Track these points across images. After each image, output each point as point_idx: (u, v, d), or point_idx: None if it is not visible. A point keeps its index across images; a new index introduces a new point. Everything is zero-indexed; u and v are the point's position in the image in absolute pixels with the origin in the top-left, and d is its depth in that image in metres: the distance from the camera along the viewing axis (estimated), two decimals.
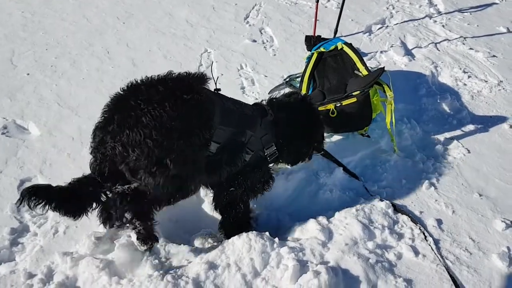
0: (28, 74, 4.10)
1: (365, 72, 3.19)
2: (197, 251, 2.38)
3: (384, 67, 3.10)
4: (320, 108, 3.10)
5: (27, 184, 2.88)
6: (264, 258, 2.27)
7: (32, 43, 4.63)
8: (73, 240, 2.49)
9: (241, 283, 2.17)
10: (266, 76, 4.14)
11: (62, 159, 3.10)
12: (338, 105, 3.05)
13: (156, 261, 2.30)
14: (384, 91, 3.08)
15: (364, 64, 3.26)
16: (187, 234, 2.56)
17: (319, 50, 3.53)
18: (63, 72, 4.14)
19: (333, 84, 3.28)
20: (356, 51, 3.39)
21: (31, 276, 2.28)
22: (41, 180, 2.92)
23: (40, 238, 2.52)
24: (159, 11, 5.37)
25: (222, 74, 4.15)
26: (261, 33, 4.97)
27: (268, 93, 3.87)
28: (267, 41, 4.81)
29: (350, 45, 3.45)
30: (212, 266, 2.23)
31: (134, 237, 2.29)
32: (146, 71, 4.11)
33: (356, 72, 3.24)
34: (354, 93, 3.02)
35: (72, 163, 3.06)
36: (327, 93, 3.18)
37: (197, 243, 2.50)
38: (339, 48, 3.47)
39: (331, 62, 3.44)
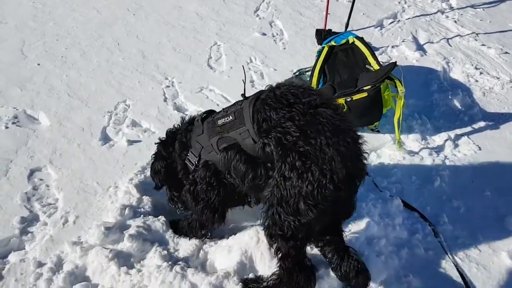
0: (38, 64, 4.12)
1: (376, 67, 3.16)
2: (205, 242, 2.39)
3: (396, 62, 3.07)
4: None
5: (37, 174, 2.93)
6: (272, 251, 2.26)
7: (42, 34, 4.64)
8: (82, 230, 2.51)
9: (246, 272, 2.19)
10: (275, 70, 4.11)
11: (72, 149, 3.11)
12: (348, 99, 3.03)
13: (165, 252, 2.30)
14: (396, 86, 3.05)
15: (375, 58, 3.23)
16: None
17: (330, 44, 3.50)
18: (73, 62, 4.15)
19: (344, 79, 3.26)
20: (367, 45, 3.36)
21: (40, 264, 2.30)
22: (50, 170, 2.94)
23: (50, 228, 2.53)
24: (168, 3, 5.35)
25: (231, 67, 4.14)
26: (271, 26, 4.93)
27: None
28: (277, 34, 4.77)
29: (361, 39, 3.42)
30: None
31: None
32: (156, 63, 4.16)
33: (367, 66, 3.21)
34: (365, 88, 2.99)
35: (82, 153, 3.07)
36: (338, 88, 3.15)
37: None
38: (350, 42, 3.44)
39: (342, 56, 3.41)
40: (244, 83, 2.26)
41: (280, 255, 1.96)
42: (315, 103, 1.83)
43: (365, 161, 1.88)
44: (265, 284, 2.06)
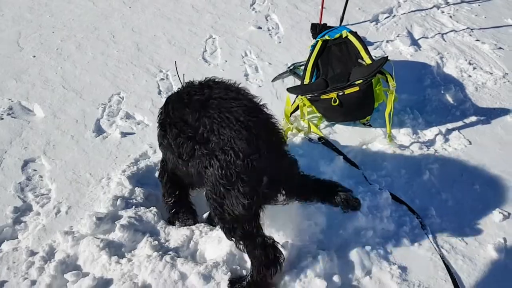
0: (34, 56, 4.14)
1: (368, 61, 3.18)
2: (194, 233, 2.42)
3: (387, 56, 3.09)
4: (323, 97, 3.10)
5: (31, 165, 2.97)
6: None
7: (39, 26, 4.65)
8: (74, 220, 2.54)
9: (235, 263, 2.23)
10: (270, 64, 4.13)
11: (66, 141, 3.14)
12: (340, 94, 3.05)
13: (156, 242, 2.34)
14: (387, 81, 3.07)
15: (368, 53, 3.25)
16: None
17: (323, 38, 3.52)
18: (68, 55, 4.17)
19: (336, 73, 3.28)
20: (360, 39, 3.38)
21: (33, 253, 2.34)
22: (44, 161, 2.97)
23: (43, 217, 2.56)
24: None
25: (226, 61, 4.15)
26: (267, 20, 4.94)
27: (272, 81, 3.88)
28: (273, 28, 4.79)
29: (355, 34, 3.43)
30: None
31: None
32: (150, 56, 4.18)
33: (359, 60, 3.23)
34: (357, 82, 3.01)
35: (76, 145, 3.10)
36: (330, 82, 3.17)
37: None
38: (343, 36, 3.46)
39: (335, 50, 3.43)
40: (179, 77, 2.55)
41: (237, 241, 2.07)
42: (205, 97, 2.03)
43: (274, 122, 2.10)
44: (248, 279, 2.11)
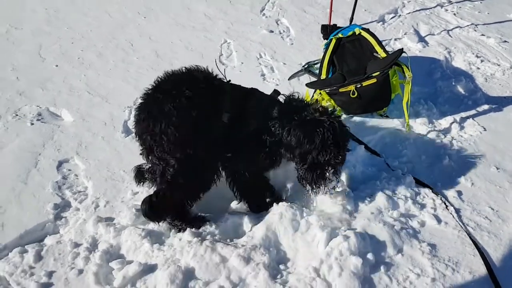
0: (56, 66, 4.29)
1: (383, 55, 3.32)
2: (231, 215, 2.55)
3: (402, 49, 3.23)
4: (341, 90, 3.24)
5: (65, 165, 3.08)
6: (294, 225, 2.41)
7: (58, 37, 4.82)
8: (114, 213, 2.65)
9: (272, 246, 2.33)
10: (285, 64, 4.28)
11: (97, 141, 3.27)
12: (358, 86, 3.18)
13: (194, 229, 2.45)
14: (403, 72, 3.20)
15: (382, 47, 3.40)
16: (224, 201, 2.71)
17: (337, 36, 3.66)
18: (90, 63, 4.32)
19: (352, 68, 3.42)
20: (374, 35, 3.53)
21: (77, 245, 2.44)
22: (78, 161, 3.09)
23: (83, 212, 2.68)
24: (177, 5, 5.54)
25: (242, 63, 4.31)
26: (278, 24, 5.12)
27: (288, 79, 4.02)
28: (284, 31, 4.96)
29: (367, 30, 3.59)
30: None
31: None
32: (170, 62, 4.33)
33: (375, 54, 3.37)
34: (374, 74, 3.15)
35: (107, 145, 3.23)
36: (348, 76, 3.30)
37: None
38: (357, 34, 3.60)
39: (349, 47, 3.57)
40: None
41: None
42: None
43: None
44: None
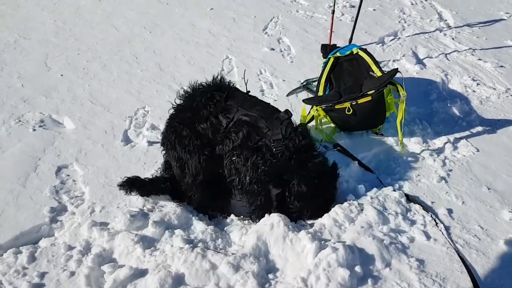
0: (61, 75, 4.40)
1: (379, 74, 3.41)
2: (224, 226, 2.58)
3: (397, 68, 3.32)
4: (337, 107, 3.31)
5: (64, 170, 3.15)
6: (284, 236, 2.44)
7: (64, 48, 4.95)
8: (109, 218, 2.70)
9: (262, 255, 2.36)
10: (284, 81, 4.38)
11: (97, 149, 3.34)
12: (354, 103, 3.26)
13: (186, 236, 2.49)
14: (398, 91, 3.28)
15: (378, 66, 3.48)
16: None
17: (335, 55, 3.76)
18: (94, 74, 4.44)
19: (348, 85, 3.50)
20: (371, 55, 3.62)
21: (70, 248, 2.47)
22: (77, 167, 3.15)
23: (78, 217, 2.72)
24: (182, 21, 5.70)
25: (242, 79, 4.38)
26: (279, 43, 5.25)
27: (286, 96, 4.11)
28: (285, 49, 5.08)
29: (365, 50, 3.68)
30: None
31: None
32: (172, 75, 4.44)
33: (371, 73, 3.46)
34: (369, 92, 3.23)
35: (106, 152, 3.30)
36: (344, 93, 3.38)
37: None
38: (354, 53, 3.70)
39: (347, 65, 3.67)
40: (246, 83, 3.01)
41: None
42: None
43: None
44: None
